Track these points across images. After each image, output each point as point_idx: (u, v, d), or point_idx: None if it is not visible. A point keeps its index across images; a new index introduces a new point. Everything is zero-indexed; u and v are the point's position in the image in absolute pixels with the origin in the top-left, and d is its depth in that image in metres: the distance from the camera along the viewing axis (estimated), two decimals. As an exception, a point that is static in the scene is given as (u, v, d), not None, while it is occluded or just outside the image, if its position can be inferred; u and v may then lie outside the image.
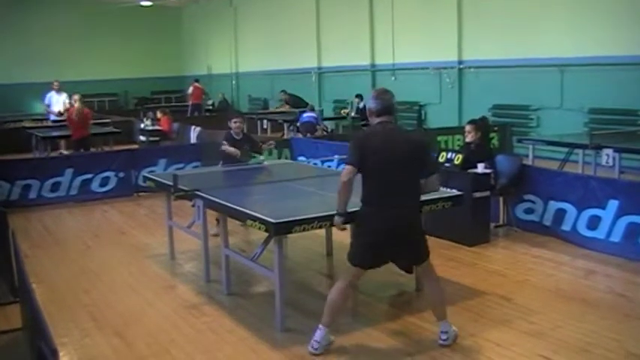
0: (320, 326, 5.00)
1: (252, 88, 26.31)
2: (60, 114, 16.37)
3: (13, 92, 25.91)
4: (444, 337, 5.08)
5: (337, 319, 5.12)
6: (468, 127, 8.57)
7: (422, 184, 4.90)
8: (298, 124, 16.75)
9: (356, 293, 6.68)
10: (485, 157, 8.18)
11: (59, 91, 17.48)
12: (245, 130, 9.01)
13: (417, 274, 5.61)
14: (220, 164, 8.77)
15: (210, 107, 25.63)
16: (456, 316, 5.62)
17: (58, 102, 16.99)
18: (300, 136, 15.62)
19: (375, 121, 4.90)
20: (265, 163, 9.01)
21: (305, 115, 16.75)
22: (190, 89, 24.49)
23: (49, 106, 17.38)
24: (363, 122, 18.79)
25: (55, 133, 14.96)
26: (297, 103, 20.15)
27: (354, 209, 4.99)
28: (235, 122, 8.83)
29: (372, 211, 4.83)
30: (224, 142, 8.67)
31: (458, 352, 4.95)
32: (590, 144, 10.24)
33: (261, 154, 9.33)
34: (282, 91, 21.58)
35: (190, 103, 24.10)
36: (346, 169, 4.81)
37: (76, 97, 13.41)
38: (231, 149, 8.60)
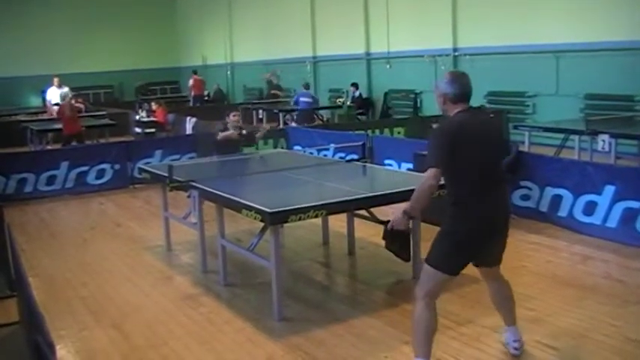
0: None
1: (248, 79, 26.24)
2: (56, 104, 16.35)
3: (8, 86, 25.83)
4: (517, 345, 4.71)
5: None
6: None
7: None
8: (297, 107, 16.76)
9: (354, 281, 6.70)
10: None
11: (60, 86, 17.49)
12: (241, 124, 9.03)
13: (487, 274, 4.71)
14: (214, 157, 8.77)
15: (206, 98, 25.57)
16: (453, 303, 5.64)
17: (58, 97, 16.96)
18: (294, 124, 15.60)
19: (452, 108, 4.31)
20: (260, 153, 9.01)
21: (301, 99, 16.71)
22: (191, 82, 24.48)
23: (50, 101, 17.39)
24: (359, 111, 18.83)
25: (50, 127, 14.91)
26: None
27: None
28: (234, 115, 8.83)
29: (472, 205, 4.28)
30: (219, 131, 8.67)
31: (455, 339, 4.95)
32: (586, 130, 10.23)
33: (255, 143, 9.32)
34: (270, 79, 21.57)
35: (192, 95, 24.22)
36: (432, 172, 4.16)
37: (67, 89, 13.40)
38: (228, 132, 8.61)
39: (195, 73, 25.01)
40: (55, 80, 17.86)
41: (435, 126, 5.47)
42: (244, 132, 8.89)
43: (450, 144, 4.15)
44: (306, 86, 17.67)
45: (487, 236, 4.34)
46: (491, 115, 4.72)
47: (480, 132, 4.28)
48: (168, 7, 31.46)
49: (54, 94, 17.32)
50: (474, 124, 4.28)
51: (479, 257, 4.46)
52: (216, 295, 6.18)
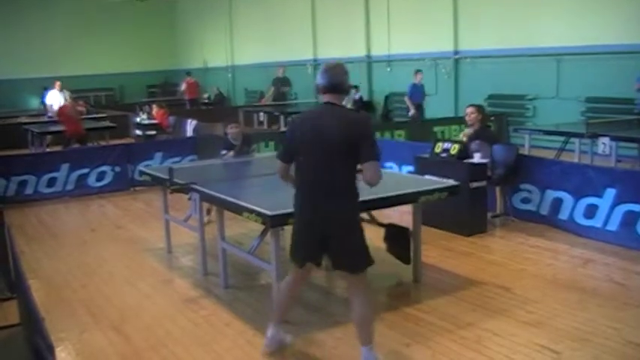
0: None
1: (248, 81, 26.23)
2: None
3: (9, 87, 25.84)
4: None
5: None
6: (469, 109, 8.57)
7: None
8: None
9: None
10: (485, 140, 8.19)
11: (62, 90, 17.52)
12: (242, 134, 8.90)
13: (341, 277, 4.85)
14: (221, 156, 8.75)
15: (207, 101, 25.56)
16: (453, 306, 5.64)
17: (60, 101, 17.00)
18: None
19: (322, 99, 4.41)
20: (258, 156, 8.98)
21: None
22: (183, 86, 24.04)
23: (51, 105, 17.41)
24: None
25: (51, 129, 14.91)
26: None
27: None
28: (232, 128, 8.78)
29: (297, 200, 4.50)
30: (223, 152, 8.60)
31: (456, 342, 4.94)
32: (586, 133, 10.24)
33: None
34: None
35: (187, 99, 23.70)
36: (278, 165, 4.53)
37: (68, 93, 13.39)
38: (229, 154, 8.55)
39: (188, 74, 24.61)
40: (57, 84, 17.87)
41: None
42: (246, 151, 8.81)
43: (291, 134, 4.44)
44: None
45: (310, 233, 4.40)
46: (354, 116, 4.40)
47: (319, 127, 4.26)
48: (169, 10, 31.47)
49: (54, 98, 17.34)
50: (318, 118, 4.33)
51: (316, 252, 4.47)
52: (217, 297, 6.17)
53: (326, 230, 4.33)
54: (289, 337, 5.01)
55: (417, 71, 15.88)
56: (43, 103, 17.63)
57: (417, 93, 15.78)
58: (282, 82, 19.91)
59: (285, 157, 4.54)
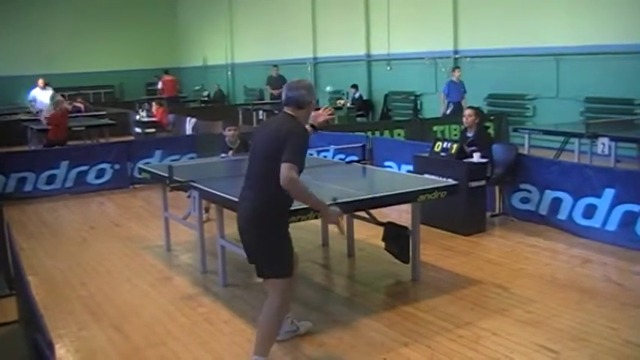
0: None
1: (248, 79, 26.24)
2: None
3: (8, 85, 25.80)
4: None
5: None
6: (467, 112, 8.59)
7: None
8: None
9: (353, 283, 6.70)
10: (482, 145, 8.19)
11: (44, 87, 17.42)
12: (240, 136, 8.85)
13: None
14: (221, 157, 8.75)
15: (206, 98, 25.55)
16: (452, 305, 5.65)
17: (43, 99, 16.89)
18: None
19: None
20: None
21: None
22: (160, 84, 23.71)
23: (33, 101, 17.30)
24: (359, 112, 18.84)
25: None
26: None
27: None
28: (230, 130, 8.76)
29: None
30: (222, 155, 8.60)
31: (454, 341, 4.95)
32: (586, 133, 10.24)
33: None
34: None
35: (164, 97, 22.24)
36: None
37: (60, 98, 13.23)
38: (230, 154, 8.55)
39: (166, 72, 24.40)
40: (40, 81, 17.72)
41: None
42: (239, 151, 8.79)
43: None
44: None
45: (240, 232, 4.59)
46: (287, 122, 4.51)
47: (259, 134, 4.61)
48: (169, 8, 31.46)
49: (40, 96, 17.26)
50: (262, 126, 4.85)
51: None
52: (216, 295, 6.18)
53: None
54: (309, 323, 5.19)
55: (455, 68, 15.31)
56: (30, 101, 17.53)
57: (455, 91, 14.85)
58: (276, 82, 19.92)
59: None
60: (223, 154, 8.59)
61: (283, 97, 4.51)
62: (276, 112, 17.58)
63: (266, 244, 4.42)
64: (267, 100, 19.90)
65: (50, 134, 13.06)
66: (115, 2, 28.66)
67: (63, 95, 16.09)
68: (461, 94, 14.82)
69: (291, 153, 4.19)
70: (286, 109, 4.49)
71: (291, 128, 4.32)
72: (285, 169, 4.16)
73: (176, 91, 24.41)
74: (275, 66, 20.20)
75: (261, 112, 18.89)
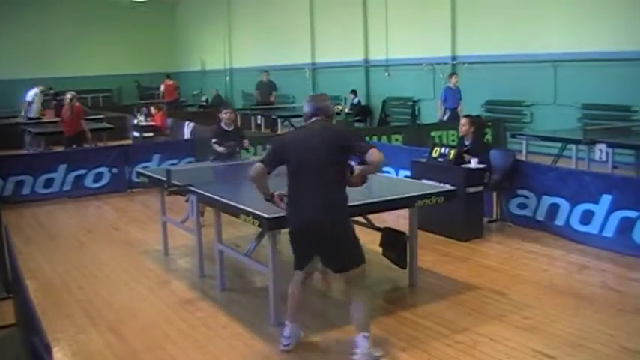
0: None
1: (246, 84, 26.23)
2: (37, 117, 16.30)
3: (6, 88, 25.76)
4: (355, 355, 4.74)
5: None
6: (462, 121, 8.62)
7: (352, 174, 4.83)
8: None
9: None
10: (479, 153, 8.21)
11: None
12: (238, 124, 8.90)
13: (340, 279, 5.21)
14: (210, 160, 8.75)
15: (204, 103, 25.54)
16: (449, 311, 5.66)
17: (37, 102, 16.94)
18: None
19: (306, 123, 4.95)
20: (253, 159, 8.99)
21: None
22: (162, 87, 23.94)
23: (30, 103, 17.31)
24: (357, 118, 18.85)
25: (48, 130, 14.88)
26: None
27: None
28: (226, 113, 8.77)
29: (291, 208, 4.85)
30: (213, 140, 8.62)
31: (451, 347, 4.96)
32: (583, 139, 10.27)
33: (247, 150, 9.26)
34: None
35: (165, 101, 23.12)
36: (256, 166, 4.85)
37: (69, 95, 13.22)
38: (220, 149, 8.57)
39: (168, 77, 24.65)
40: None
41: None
42: (237, 143, 8.81)
43: (279, 149, 4.85)
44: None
45: (304, 237, 4.77)
46: (336, 128, 5.06)
47: (304, 142, 4.76)
48: (168, 12, 31.50)
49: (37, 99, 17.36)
50: (303, 135, 4.89)
51: (311, 256, 4.88)
52: (213, 299, 6.18)
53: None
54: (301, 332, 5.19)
55: (452, 74, 15.30)
56: (28, 101, 17.50)
57: (452, 97, 14.77)
58: (266, 87, 19.93)
59: (270, 164, 4.83)
60: (214, 140, 8.61)
61: (310, 109, 4.86)
62: (273, 117, 17.66)
63: (348, 238, 4.77)
64: (257, 106, 19.92)
65: (66, 131, 12.96)
66: (114, 7, 28.66)
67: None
68: (457, 101, 14.81)
69: (364, 141, 4.81)
70: (318, 119, 4.83)
71: (342, 129, 5.00)
72: (376, 151, 4.64)
73: (175, 95, 24.45)
74: (266, 71, 20.22)
75: (259, 117, 18.86)
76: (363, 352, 4.68)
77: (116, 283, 6.79)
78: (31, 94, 17.35)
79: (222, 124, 8.73)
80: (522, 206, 8.39)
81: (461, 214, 7.78)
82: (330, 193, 4.67)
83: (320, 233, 4.65)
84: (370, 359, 4.70)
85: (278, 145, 4.94)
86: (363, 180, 4.92)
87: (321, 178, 4.65)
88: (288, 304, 5.04)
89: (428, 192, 6.06)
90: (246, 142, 9.08)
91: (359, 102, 19.45)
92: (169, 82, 24.24)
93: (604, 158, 9.78)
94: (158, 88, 25.17)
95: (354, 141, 4.75)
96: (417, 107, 18.35)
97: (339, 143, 4.67)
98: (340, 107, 18.81)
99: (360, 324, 4.77)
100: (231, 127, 8.77)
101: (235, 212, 5.65)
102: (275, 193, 4.93)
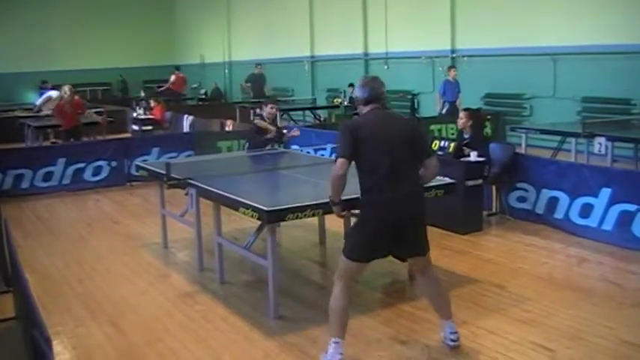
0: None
1: (245, 78, 26.21)
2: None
3: (5, 82, 25.77)
4: (453, 337, 4.84)
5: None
6: (461, 114, 8.62)
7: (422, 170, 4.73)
8: None
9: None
10: (478, 146, 8.20)
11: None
12: (278, 121, 8.89)
13: (412, 266, 5.32)
14: (246, 147, 8.74)
15: (204, 96, 25.52)
16: (449, 304, 5.66)
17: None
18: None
19: (363, 110, 4.74)
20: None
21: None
22: (173, 77, 23.95)
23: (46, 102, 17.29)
24: (356, 111, 18.80)
25: (47, 123, 14.86)
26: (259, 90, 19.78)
27: (349, 197, 4.83)
28: (272, 107, 8.81)
29: (374, 200, 4.57)
30: (256, 118, 8.57)
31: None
32: (582, 132, 10.26)
33: (284, 143, 9.22)
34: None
35: (172, 90, 23.24)
36: (339, 162, 4.51)
37: (66, 88, 13.15)
38: (264, 123, 8.54)
39: (177, 69, 24.66)
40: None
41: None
42: (279, 128, 8.83)
43: (351, 140, 4.52)
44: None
45: (389, 227, 4.56)
46: (404, 117, 4.96)
47: (380, 130, 4.57)
48: (167, 5, 31.39)
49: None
50: (375, 123, 4.63)
51: (387, 248, 4.73)
52: (213, 292, 6.18)
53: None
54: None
55: (451, 67, 15.26)
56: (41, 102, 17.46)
57: (451, 90, 14.69)
58: (257, 80, 19.88)
59: (350, 157, 4.56)
60: (257, 118, 8.62)
61: (368, 95, 4.71)
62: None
63: (424, 225, 4.82)
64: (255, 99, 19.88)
65: (63, 125, 12.90)
66: (113, 0, 28.58)
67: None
68: (456, 94, 14.77)
69: (429, 146, 4.91)
70: (378, 106, 4.74)
71: (412, 121, 5.04)
72: (436, 160, 4.75)
73: (183, 87, 24.43)
74: (259, 64, 20.19)
75: (258, 110, 18.77)
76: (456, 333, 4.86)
77: (115, 276, 6.80)
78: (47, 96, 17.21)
79: (265, 116, 8.73)
80: (522, 199, 8.39)
81: (460, 207, 7.78)
82: (414, 182, 4.68)
83: (410, 223, 4.64)
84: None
85: (349, 136, 4.54)
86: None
87: (403, 166, 4.55)
88: (338, 320, 4.61)
89: (427, 185, 6.05)
90: (290, 134, 9.27)
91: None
92: (180, 74, 24.18)
93: (603, 151, 9.78)
94: (166, 80, 24.99)
95: (423, 139, 4.88)
96: (416, 100, 18.30)
97: (413, 134, 4.69)
98: (339, 100, 18.81)
99: (449, 310, 4.91)
100: (272, 123, 8.80)
101: (235, 205, 5.65)
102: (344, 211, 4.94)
